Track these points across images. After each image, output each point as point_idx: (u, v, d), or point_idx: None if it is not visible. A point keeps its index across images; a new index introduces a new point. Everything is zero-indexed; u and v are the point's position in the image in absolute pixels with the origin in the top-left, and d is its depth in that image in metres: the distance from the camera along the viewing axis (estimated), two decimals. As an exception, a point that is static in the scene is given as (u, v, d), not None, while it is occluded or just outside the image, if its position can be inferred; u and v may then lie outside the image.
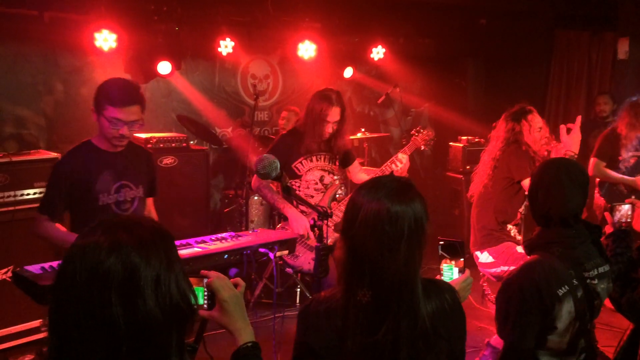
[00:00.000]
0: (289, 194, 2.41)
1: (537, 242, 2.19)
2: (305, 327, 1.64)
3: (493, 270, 3.64)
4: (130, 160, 2.92)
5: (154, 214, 3.15)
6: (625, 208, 2.54)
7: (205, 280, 1.55)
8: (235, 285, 1.58)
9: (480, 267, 3.75)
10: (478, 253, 3.70)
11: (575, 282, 2.07)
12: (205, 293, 1.54)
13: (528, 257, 2.23)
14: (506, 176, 3.64)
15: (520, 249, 3.54)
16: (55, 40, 5.22)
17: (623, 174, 4.78)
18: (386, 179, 1.61)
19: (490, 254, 3.62)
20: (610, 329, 3.73)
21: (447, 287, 1.69)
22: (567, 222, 2.13)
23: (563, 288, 2.03)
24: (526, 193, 3.53)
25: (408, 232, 1.51)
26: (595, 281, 2.14)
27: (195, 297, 1.24)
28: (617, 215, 2.54)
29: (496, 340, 3.67)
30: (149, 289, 1.12)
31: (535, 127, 3.65)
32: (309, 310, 1.65)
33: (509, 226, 3.68)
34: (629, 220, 2.54)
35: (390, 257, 1.50)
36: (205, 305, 1.54)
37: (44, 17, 5.03)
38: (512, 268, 3.46)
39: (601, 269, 2.17)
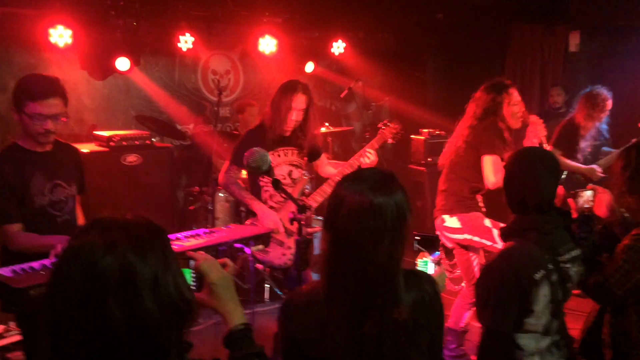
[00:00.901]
0: (277, 188, 2.40)
1: (513, 228, 2.25)
2: (288, 320, 1.64)
3: (456, 236, 3.67)
4: (60, 158, 2.84)
5: (79, 212, 3.07)
6: (587, 194, 2.64)
7: (192, 263, 1.52)
8: (224, 266, 1.55)
9: (443, 230, 3.73)
10: (446, 216, 3.69)
11: (550, 266, 2.14)
12: (193, 275, 1.51)
13: (503, 242, 2.30)
14: (478, 148, 3.69)
15: (487, 222, 3.60)
16: (8, 36, 5.05)
17: (581, 163, 4.95)
18: (369, 171, 1.62)
19: (459, 220, 3.65)
20: (572, 312, 3.87)
21: (426, 277, 1.71)
22: (542, 208, 2.20)
23: (539, 272, 2.11)
24: (483, 170, 3.54)
25: (391, 225, 1.52)
26: (568, 265, 2.22)
27: (192, 294, 1.22)
28: (580, 201, 2.63)
29: (451, 322, 3.77)
30: (147, 288, 1.10)
31: (514, 100, 3.71)
32: (291, 303, 1.65)
33: (477, 197, 3.74)
34: (591, 205, 2.63)
35: (374, 250, 1.51)
36: (193, 288, 1.50)
37: (-5, 13, 4.85)
38: (475, 238, 3.58)
39: (573, 253, 2.25)
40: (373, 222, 1.51)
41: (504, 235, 2.29)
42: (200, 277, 1.51)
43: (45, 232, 2.71)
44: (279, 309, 1.69)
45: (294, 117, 3.54)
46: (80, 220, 3.09)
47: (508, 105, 3.68)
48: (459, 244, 3.72)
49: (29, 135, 2.67)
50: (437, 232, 3.80)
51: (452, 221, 3.69)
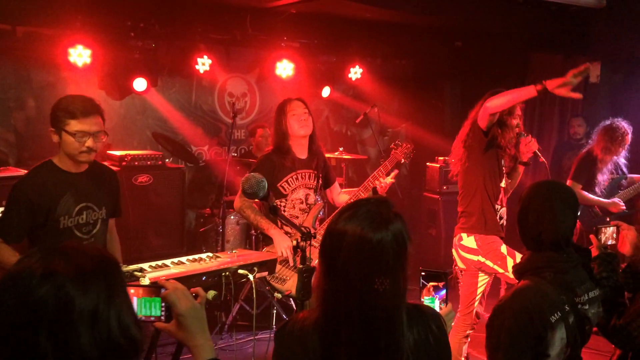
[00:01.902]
0: (275, 214, 2.34)
1: (527, 266, 2.14)
2: (279, 349, 1.58)
3: (470, 256, 3.58)
4: (93, 180, 2.83)
5: (114, 235, 3.08)
6: (610, 230, 2.51)
7: (162, 291, 1.46)
8: (196, 296, 1.49)
9: (458, 248, 3.66)
10: (464, 235, 3.61)
11: (567, 307, 2.03)
12: (163, 304, 1.45)
13: (517, 280, 2.18)
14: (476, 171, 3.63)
15: (504, 249, 3.51)
16: (28, 55, 5.13)
17: (598, 196, 4.83)
18: (365, 205, 1.53)
19: (476, 240, 3.55)
20: (588, 350, 3.73)
21: (431, 314, 1.62)
22: (558, 245, 2.09)
23: (555, 315, 1.99)
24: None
25: (392, 264, 1.46)
26: (587, 306, 2.10)
27: (140, 332, 1.13)
28: (603, 238, 2.50)
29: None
30: (84, 324, 1.02)
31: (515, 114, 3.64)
32: (284, 332, 1.59)
33: (497, 206, 3.62)
34: (614, 242, 2.50)
35: (376, 293, 1.44)
36: (162, 317, 1.45)
37: (16, 32, 4.94)
38: (487, 262, 3.50)
39: (592, 294, 2.14)
40: (374, 263, 1.44)
41: (517, 272, 2.17)
42: (169, 307, 1.45)
43: None
44: (274, 334, 1.63)
45: (303, 117, 3.56)
46: (115, 243, 3.08)
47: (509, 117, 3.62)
48: (470, 265, 3.63)
49: (69, 154, 2.68)
50: (453, 250, 3.73)
51: (469, 241, 3.59)
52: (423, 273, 1.86)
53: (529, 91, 3.25)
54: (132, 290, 1.44)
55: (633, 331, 2.22)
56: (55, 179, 2.70)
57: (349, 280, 1.45)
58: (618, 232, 2.51)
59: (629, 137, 4.73)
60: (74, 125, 2.60)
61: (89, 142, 2.64)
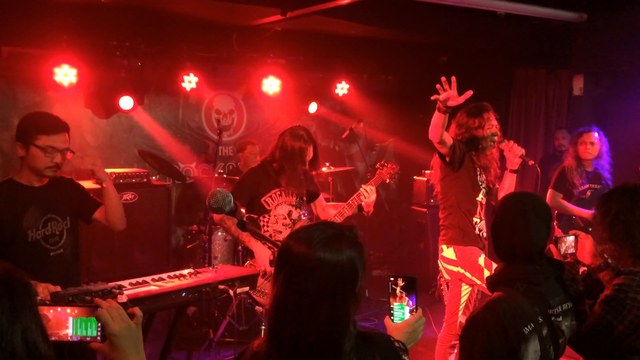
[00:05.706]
0: (243, 229, 2.35)
1: (500, 278, 2.13)
2: None
3: (450, 267, 3.67)
4: (55, 192, 2.88)
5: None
6: (569, 240, 2.54)
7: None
8: (132, 316, 1.47)
9: (440, 260, 3.77)
10: (444, 246, 3.72)
11: (540, 319, 2.01)
12: (99, 324, 1.44)
13: (490, 292, 2.18)
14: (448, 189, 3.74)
15: (482, 260, 3.56)
16: (14, 75, 5.15)
17: (576, 201, 4.88)
18: (319, 228, 1.51)
19: (455, 252, 3.64)
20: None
21: (381, 344, 1.55)
22: (532, 258, 2.09)
23: (529, 326, 1.97)
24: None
25: (332, 290, 1.43)
26: (560, 318, 2.09)
27: (50, 351, 1.12)
28: (563, 247, 2.53)
29: None
30: None
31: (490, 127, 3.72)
32: (241, 357, 1.57)
33: (475, 219, 3.68)
34: (573, 251, 2.53)
35: (312, 314, 1.42)
36: (98, 338, 1.43)
37: (2, 52, 4.97)
38: (466, 274, 3.57)
39: (565, 306, 2.13)
40: (311, 287, 1.42)
41: (491, 284, 2.18)
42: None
43: (37, 266, 2.73)
44: None
45: (306, 166, 3.70)
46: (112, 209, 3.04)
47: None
48: (450, 275, 3.71)
49: (35, 169, 2.73)
50: (438, 261, 3.80)
51: (448, 252, 3.69)
52: (392, 278, 1.79)
53: (437, 112, 3.41)
54: (68, 310, 1.43)
55: (594, 338, 2.22)
56: (18, 195, 2.75)
57: (286, 300, 1.45)
58: (577, 242, 2.53)
59: (589, 136, 4.79)
60: (45, 140, 2.67)
61: (57, 158, 2.72)
